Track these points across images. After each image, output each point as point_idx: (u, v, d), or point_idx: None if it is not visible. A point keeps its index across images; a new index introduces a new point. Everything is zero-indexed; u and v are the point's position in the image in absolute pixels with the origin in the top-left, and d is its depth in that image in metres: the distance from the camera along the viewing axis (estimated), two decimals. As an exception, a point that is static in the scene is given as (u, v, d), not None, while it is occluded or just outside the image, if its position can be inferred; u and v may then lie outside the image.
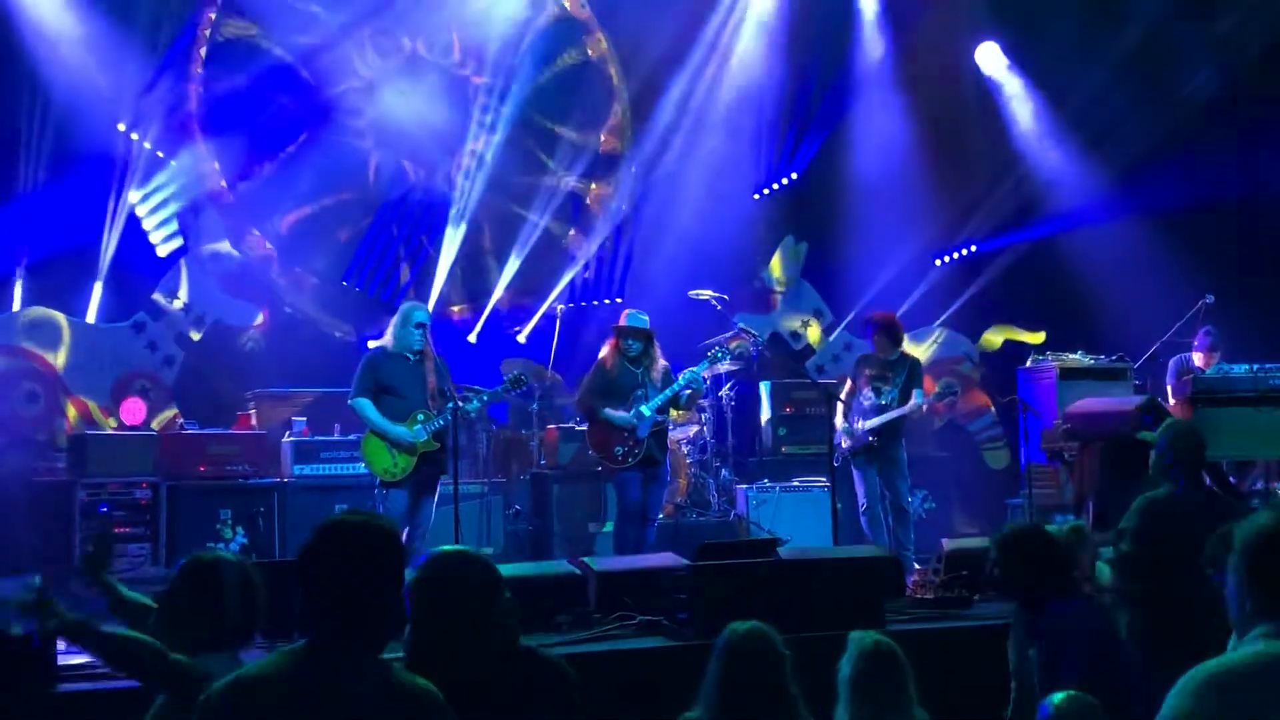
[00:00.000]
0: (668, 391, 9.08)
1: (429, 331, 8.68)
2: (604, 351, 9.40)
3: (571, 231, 13.25)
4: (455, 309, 12.56)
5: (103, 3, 10.80)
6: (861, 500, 9.79)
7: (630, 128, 13.48)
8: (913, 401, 9.70)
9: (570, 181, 13.13)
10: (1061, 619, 4.84)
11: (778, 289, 13.74)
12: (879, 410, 9.69)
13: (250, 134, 11.71)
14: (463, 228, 12.31)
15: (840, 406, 9.85)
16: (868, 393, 9.78)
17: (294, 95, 11.94)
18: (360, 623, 3.00)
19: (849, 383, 10.08)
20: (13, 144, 10.57)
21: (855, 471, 9.83)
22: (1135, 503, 6.02)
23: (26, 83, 10.59)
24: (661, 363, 9.31)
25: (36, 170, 10.62)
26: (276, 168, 11.86)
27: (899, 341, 10.04)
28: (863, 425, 9.69)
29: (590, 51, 13.33)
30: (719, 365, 9.98)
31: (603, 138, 13.38)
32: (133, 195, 11.06)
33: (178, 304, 11.27)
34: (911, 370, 9.90)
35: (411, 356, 8.56)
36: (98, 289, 10.98)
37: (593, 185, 13.35)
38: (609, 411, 9.06)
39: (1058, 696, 3.87)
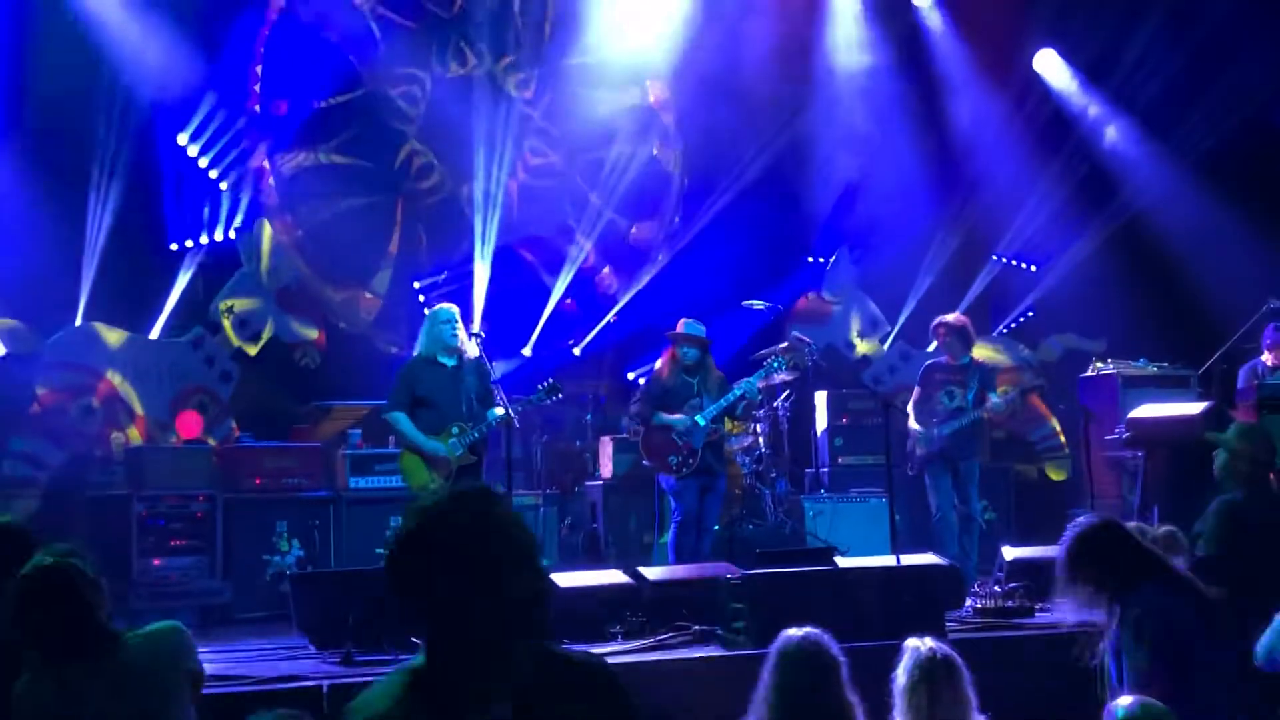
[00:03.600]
0: (723, 401, 9.02)
1: (464, 331, 8.51)
2: (660, 361, 9.37)
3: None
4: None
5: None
6: (935, 509, 9.68)
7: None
8: (991, 401, 9.56)
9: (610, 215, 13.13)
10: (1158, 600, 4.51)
11: (833, 301, 13.64)
12: (953, 414, 9.60)
13: (299, 117, 11.70)
14: (488, 261, 12.21)
15: (910, 414, 9.78)
16: (940, 398, 9.68)
17: (350, 89, 11.94)
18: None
19: (917, 389, 9.99)
20: (88, 153, 10.64)
21: (928, 479, 9.72)
22: (1212, 506, 5.91)
23: (105, 89, 10.63)
24: (716, 373, 9.27)
25: (109, 180, 10.71)
26: (317, 156, 11.84)
27: (970, 345, 9.92)
28: (937, 431, 9.59)
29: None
30: (776, 375, 9.90)
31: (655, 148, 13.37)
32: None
33: (231, 319, 11.32)
34: (984, 374, 9.80)
35: (448, 363, 8.42)
36: (170, 304, 11.05)
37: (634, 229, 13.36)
38: (663, 415, 9.02)
39: (1125, 702, 3.74)
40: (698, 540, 9.01)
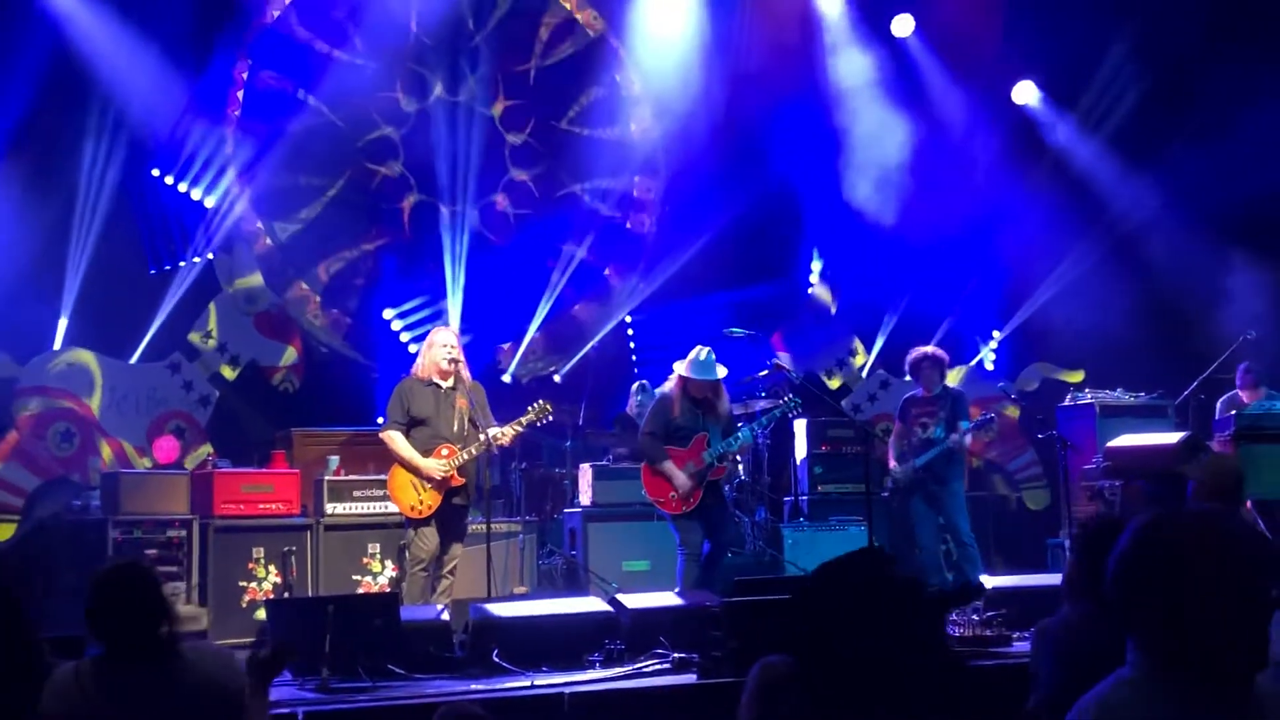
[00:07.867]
0: (729, 442, 8.73)
1: (461, 354, 8.48)
2: (669, 388, 8.95)
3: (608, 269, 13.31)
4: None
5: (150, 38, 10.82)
6: (918, 541, 9.76)
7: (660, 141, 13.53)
8: (952, 438, 9.63)
9: (605, 209, 13.20)
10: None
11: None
12: (926, 445, 9.71)
13: (287, 181, 11.79)
14: (463, 272, 12.27)
15: (889, 449, 9.95)
16: (916, 429, 9.81)
17: (328, 143, 12.00)
18: None
19: (897, 423, 10.10)
20: (72, 177, 10.70)
21: (911, 512, 9.88)
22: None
23: (91, 114, 10.72)
24: (725, 407, 8.93)
25: (92, 204, 10.73)
26: (315, 214, 11.92)
27: (943, 375, 9.98)
28: (912, 463, 9.73)
29: (616, 76, 13.46)
30: (789, 415, 9.90)
31: (635, 179, 13.44)
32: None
33: (211, 344, 11.35)
34: (955, 402, 9.86)
35: (441, 384, 8.40)
36: (152, 330, 11.06)
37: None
38: (671, 468, 8.66)
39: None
40: (709, 573, 8.63)
